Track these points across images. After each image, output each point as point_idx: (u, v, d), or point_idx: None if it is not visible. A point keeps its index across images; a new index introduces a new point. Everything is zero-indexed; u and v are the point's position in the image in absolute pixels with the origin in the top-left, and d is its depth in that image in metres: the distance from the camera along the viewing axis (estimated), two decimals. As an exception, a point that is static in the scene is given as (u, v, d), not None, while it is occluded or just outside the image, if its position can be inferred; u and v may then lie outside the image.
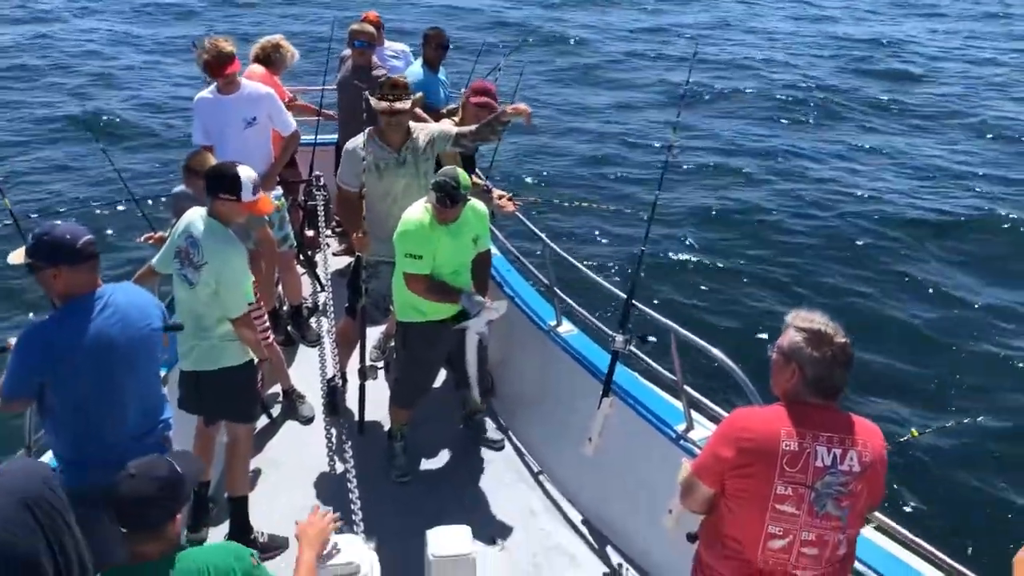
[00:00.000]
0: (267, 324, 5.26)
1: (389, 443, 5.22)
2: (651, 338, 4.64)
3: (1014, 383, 7.76)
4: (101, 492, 3.29)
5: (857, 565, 3.10)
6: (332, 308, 5.43)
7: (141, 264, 4.71)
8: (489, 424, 5.54)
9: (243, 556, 2.69)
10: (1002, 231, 10.64)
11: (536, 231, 5.64)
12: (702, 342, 4.27)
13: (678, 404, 4.54)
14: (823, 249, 10.25)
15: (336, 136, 7.18)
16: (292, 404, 5.67)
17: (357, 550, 3.34)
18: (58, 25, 20.03)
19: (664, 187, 4.93)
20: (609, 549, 4.67)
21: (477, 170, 6.01)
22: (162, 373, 4.00)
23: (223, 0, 22.41)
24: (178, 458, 2.72)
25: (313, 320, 6.53)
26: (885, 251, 10.17)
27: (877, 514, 3.15)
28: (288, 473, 5.16)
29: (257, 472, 5.09)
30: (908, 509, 5.86)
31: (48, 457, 3.96)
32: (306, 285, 6.79)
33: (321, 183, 6.56)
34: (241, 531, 4.53)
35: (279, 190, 6.09)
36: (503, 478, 5.20)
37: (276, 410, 5.66)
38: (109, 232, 9.41)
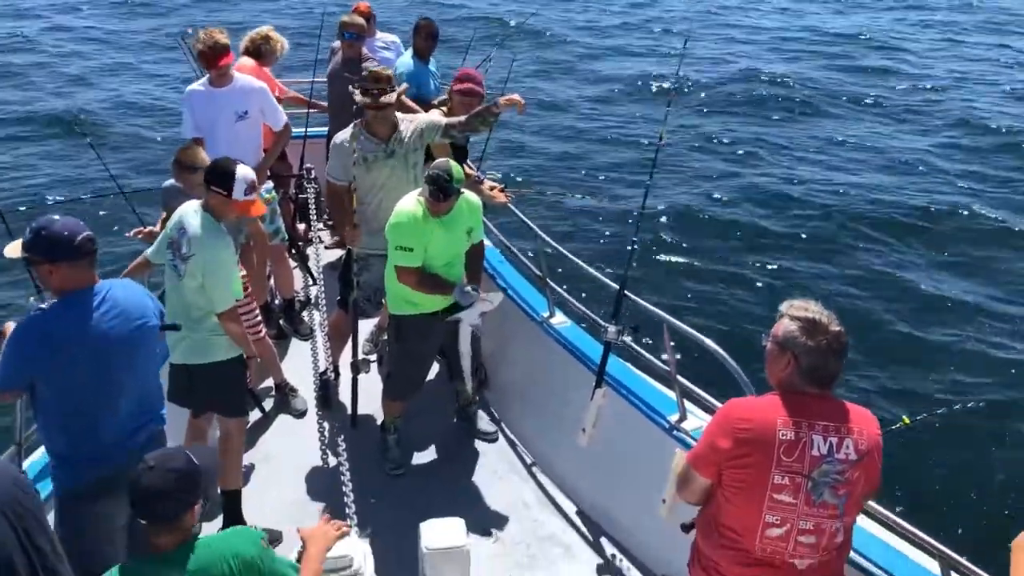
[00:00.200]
0: (259, 318, 5.25)
1: (382, 436, 5.21)
2: (644, 341, 4.63)
3: (1001, 371, 7.80)
4: (103, 486, 3.30)
5: (851, 554, 3.11)
6: (324, 301, 5.41)
7: (129, 259, 4.70)
8: (482, 416, 5.53)
9: (256, 540, 2.73)
10: (992, 223, 10.69)
11: (528, 223, 5.62)
12: (695, 332, 4.29)
13: (671, 394, 4.54)
14: (816, 240, 10.27)
15: (326, 129, 7.15)
16: (285, 398, 5.65)
17: (350, 543, 3.34)
18: (38, 22, 19.88)
19: (655, 178, 4.93)
20: (603, 540, 4.68)
21: (468, 161, 5.99)
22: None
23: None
24: (194, 451, 2.73)
25: (305, 314, 6.51)
26: (877, 242, 10.19)
27: (870, 502, 3.16)
28: (281, 467, 5.15)
29: (250, 466, 5.08)
30: (900, 497, 5.88)
31: (40, 454, 3.95)
32: (298, 279, 6.77)
33: (312, 176, 6.54)
34: (234, 525, 4.51)
35: (270, 184, 6.07)
36: (496, 470, 5.20)
37: (269, 404, 5.63)
38: (94, 227, 9.34)
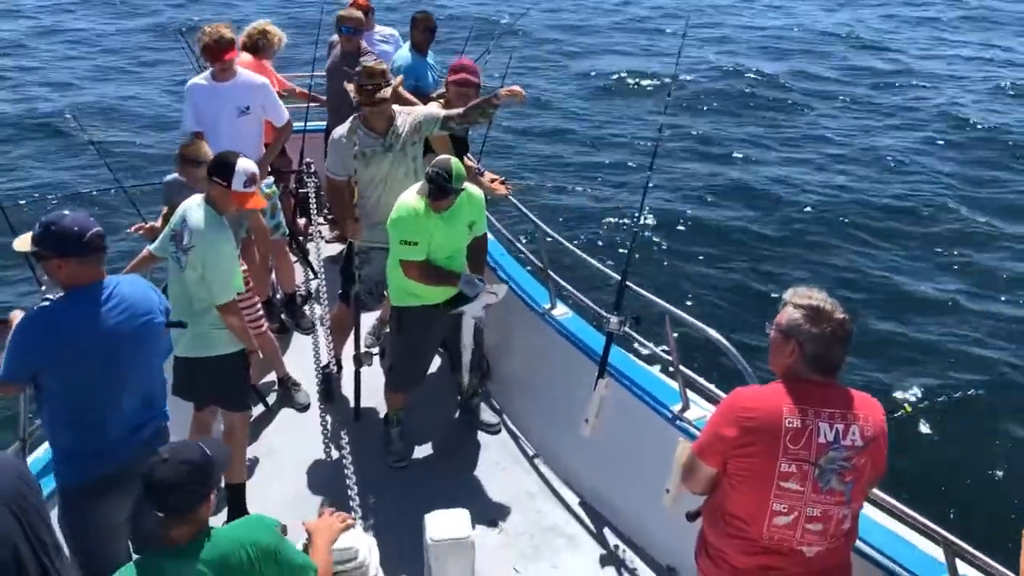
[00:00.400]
0: (260, 313, 5.25)
1: (385, 429, 5.21)
2: (646, 331, 4.62)
3: (1005, 360, 7.81)
4: (107, 483, 3.30)
5: (856, 542, 3.11)
6: (325, 295, 5.41)
7: (127, 255, 4.70)
8: (485, 408, 5.53)
9: (272, 529, 2.74)
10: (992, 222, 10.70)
11: (529, 214, 5.62)
12: (697, 322, 4.29)
13: (674, 384, 4.54)
14: (818, 229, 10.27)
15: (325, 123, 7.15)
16: (287, 392, 5.66)
17: (355, 535, 3.34)
18: (29, 21, 19.83)
19: (656, 169, 4.92)
20: (606, 530, 4.68)
21: (468, 154, 5.98)
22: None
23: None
24: (207, 443, 2.73)
25: (307, 307, 6.51)
26: (879, 236, 10.18)
27: (874, 490, 3.16)
28: (284, 460, 5.15)
29: (254, 460, 5.09)
30: (904, 485, 5.89)
31: (44, 450, 3.95)
32: (299, 273, 6.77)
33: (312, 170, 6.53)
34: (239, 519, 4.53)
35: (271, 178, 6.07)
36: (499, 461, 5.20)
37: (271, 398, 5.64)
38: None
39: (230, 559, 2.59)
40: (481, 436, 5.40)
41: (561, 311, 5.48)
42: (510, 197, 5.79)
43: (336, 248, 7.04)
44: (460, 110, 5.13)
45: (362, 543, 3.37)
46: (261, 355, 4.91)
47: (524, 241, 6.10)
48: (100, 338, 3.31)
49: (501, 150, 11.85)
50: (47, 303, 3.35)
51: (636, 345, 4.93)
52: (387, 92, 5.02)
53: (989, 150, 12.73)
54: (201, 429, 4.64)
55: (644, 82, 15.69)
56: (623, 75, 16.02)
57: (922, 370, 7.66)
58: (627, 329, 4.70)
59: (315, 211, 6.58)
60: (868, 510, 3.39)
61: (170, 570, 2.54)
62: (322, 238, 6.53)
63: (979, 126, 13.45)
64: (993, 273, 9.34)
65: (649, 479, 4.32)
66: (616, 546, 4.57)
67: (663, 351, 4.66)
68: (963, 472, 6.49)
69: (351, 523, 3.21)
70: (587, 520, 4.76)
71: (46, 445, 3.86)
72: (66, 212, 3.34)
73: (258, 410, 5.35)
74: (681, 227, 10.22)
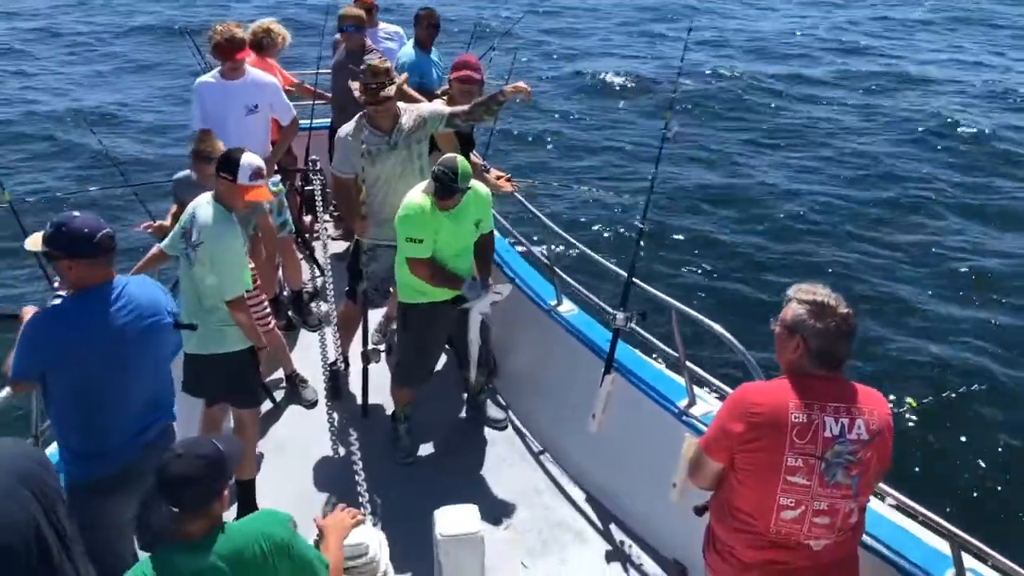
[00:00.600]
0: (268, 310, 5.27)
1: (393, 425, 5.23)
2: (652, 328, 4.61)
3: (1011, 354, 7.81)
4: (114, 482, 3.32)
5: (863, 536, 3.13)
6: (332, 292, 5.44)
7: (134, 253, 4.73)
8: (492, 404, 5.55)
9: (285, 523, 2.75)
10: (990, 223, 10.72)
11: (535, 211, 5.63)
12: (703, 318, 4.29)
13: (680, 380, 4.56)
14: (822, 225, 10.28)
15: (330, 120, 7.17)
16: (295, 389, 5.68)
17: (366, 531, 3.37)
18: (34, 21, 19.88)
19: (662, 166, 4.93)
20: (613, 525, 4.70)
21: (474, 151, 6.00)
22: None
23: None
24: (219, 439, 2.75)
25: (314, 305, 6.54)
26: (880, 230, 10.20)
27: (881, 484, 3.17)
28: (292, 457, 5.17)
29: (261, 456, 5.11)
30: (911, 479, 5.91)
31: (53, 448, 3.98)
32: (305, 270, 6.79)
33: (317, 168, 6.55)
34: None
35: (277, 176, 6.09)
36: (507, 457, 5.22)
37: (279, 395, 5.67)
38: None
39: (244, 553, 2.61)
40: (488, 432, 5.41)
41: (567, 308, 5.50)
42: (516, 194, 5.80)
43: (342, 245, 7.07)
44: (466, 107, 5.14)
45: (372, 539, 3.40)
46: (269, 350, 4.94)
47: (530, 238, 6.10)
48: (106, 338, 3.34)
49: (505, 150, 11.86)
50: (58, 300, 3.37)
51: (642, 341, 4.94)
52: (391, 90, 5.03)
53: (983, 154, 12.76)
54: (211, 426, 4.67)
55: (644, 83, 15.68)
56: (623, 76, 16.02)
57: (926, 367, 7.67)
58: (633, 325, 4.71)
59: (321, 208, 6.60)
60: (874, 504, 3.41)
61: (185, 564, 2.56)
62: (328, 235, 6.56)
63: (977, 130, 13.44)
64: (993, 273, 9.33)
65: (656, 474, 4.33)
66: (623, 541, 4.59)
67: (670, 347, 4.67)
68: (968, 466, 6.49)
69: (362, 519, 3.24)
70: (594, 516, 4.78)
71: (55, 445, 3.89)
72: (76, 213, 3.36)
73: (266, 406, 5.37)
74: (687, 223, 10.24)
